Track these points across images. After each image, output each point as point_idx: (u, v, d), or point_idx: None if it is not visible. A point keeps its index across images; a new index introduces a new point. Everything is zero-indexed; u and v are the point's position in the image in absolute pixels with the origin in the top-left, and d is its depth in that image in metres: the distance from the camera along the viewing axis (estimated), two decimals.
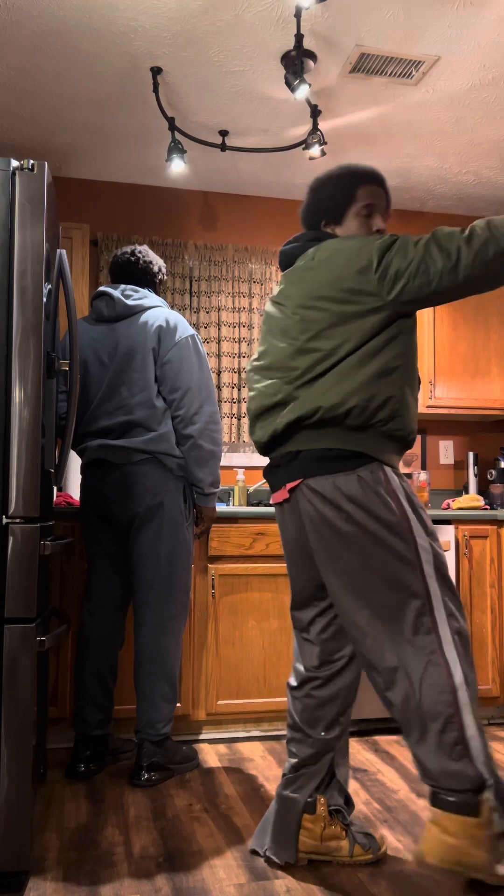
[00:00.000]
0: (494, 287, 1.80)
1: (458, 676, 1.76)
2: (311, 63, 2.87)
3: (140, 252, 2.79)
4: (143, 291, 2.73)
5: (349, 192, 1.99)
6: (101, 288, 2.74)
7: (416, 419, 1.90)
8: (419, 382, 1.94)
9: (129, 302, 2.68)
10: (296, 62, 2.74)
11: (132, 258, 2.78)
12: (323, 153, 3.18)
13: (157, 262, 2.84)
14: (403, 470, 4.24)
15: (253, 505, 3.80)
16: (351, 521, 1.81)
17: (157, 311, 2.68)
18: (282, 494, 1.94)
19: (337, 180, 2.02)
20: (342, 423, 1.83)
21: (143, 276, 2.79)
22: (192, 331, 2.68)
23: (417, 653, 1.77)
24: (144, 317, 2.66)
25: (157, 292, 2.85)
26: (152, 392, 2.61)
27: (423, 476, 3.83)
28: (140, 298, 2.70)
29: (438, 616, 1.79)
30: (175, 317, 2.67)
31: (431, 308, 3.89)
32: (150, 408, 2.61)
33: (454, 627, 1.80)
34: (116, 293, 2.69)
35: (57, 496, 3.19)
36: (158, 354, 2.63)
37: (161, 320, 2.64)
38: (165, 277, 2.92)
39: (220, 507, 3.15)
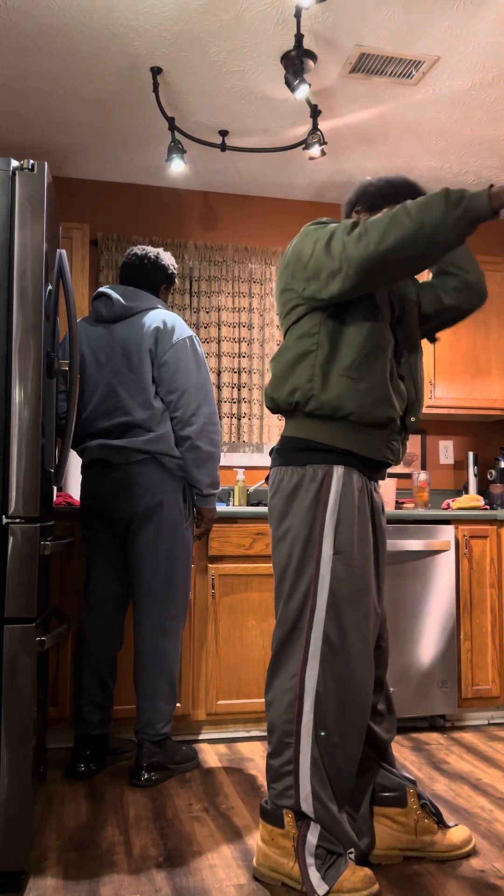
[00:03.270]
0: (416, 268, 1.73)
1: (308, 707, 1.80)
2: (311, 63, 2.87)
3: (149, 256, 2.76)
4: (143, 293, 2.72)
5: (381, 203, 2.00)
6: (101, 289, 2.74)
7: (363, 398, 1.82)
8: (388, 366, 1.87)
9: (127, 303, 2.67)
10: (296, 62, 2.74)
11: (137, 261, 2.77)
12: (323, 153, 3.18)
13: (167, 268, 2.79)
14: (403, 470, 4.24)
15: (253, 505, 3.80)
16: (271, 514, 1.93)
17: (154, 312, 2.67)
18: None
19: (379, 191, 2.01)
20: (284, 411, 1.92)
21: (145, 279, 2.78)
22: (189, 332, 2.67)
23: (289, 666, 1.84)
24: (142, 318, 2.66)
25: (159, 294, 2.83)
26: (150, 393, 2.61)
27: (423, 476, 3.83)
28: (138, 300, 2.69)
29: (311, 650, 1.82)
30: (173, 318, 2.67)
31: None
32: (149, 408, 2.61)
33: (325, 670, 1.80)
34: (115, 294, 2.69)
35: (57, 496, 3.19)
36: (156, 356, 2.62)
37: (158, 322, 2.64)
38: (175, 282, 2.90)
39: (220, 507, 3.15)
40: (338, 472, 1.84)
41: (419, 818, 1.97)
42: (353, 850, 1.82)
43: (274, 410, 1.95)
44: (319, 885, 1.76)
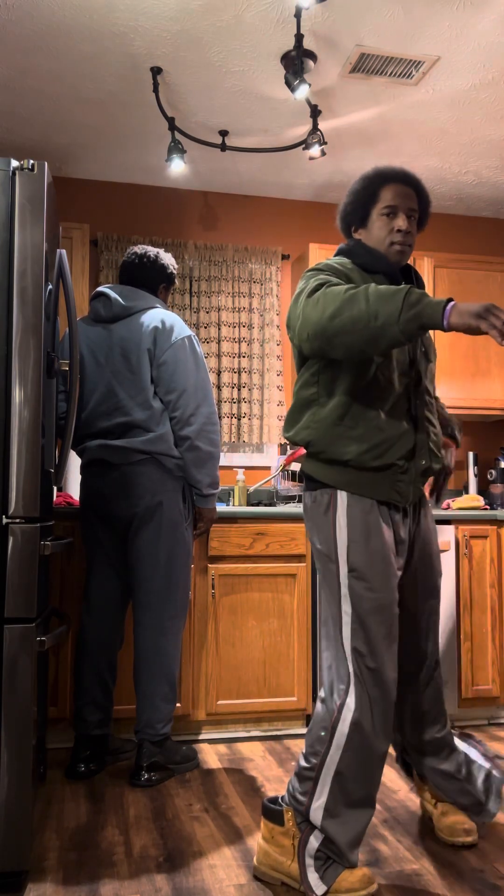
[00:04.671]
0: (357, 352, 1.73)
1: (345, 724, 1.82)
2: (311, 63, 2.87)
3: (148, 255, 2.76)
4: (141, 293, 2.72)
5: (372, 191, 1.96)
6: (99, 288, 2.74)
7: (359, 446, 1.85)
8: (385, 408, 1.89)
9: (126, 303, 2.67)
10: (296, 62, 2.74)
11: (136, 260, 2.77)
12: (323, 153, 3.18)
13: (166, 267, 2.79)
14: None
15: (253, 505, 3.81)
16: (309, 533, 1.99)
17: (153, 312, 2.67)
18: None
19: (362, 181, 1.99)
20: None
21: (144, 278, 2.77)
22: (188, 332, 2.67)
23: (340, 673, 1.87)
24: (141, 318, 2.66)
25: (158, 294, 2.82)
26: (149, 393, 2.61)
27: None
28: (137, 299, 2.69)
29: (344, 664, 1.85)
30: (171, 318, 2.66)
31: None
32: (148, 409, 2.61)
33: (359, 683, 1.83)
34: (113, 294, 2.68)
35: (57, 496, 3.19)
36: (154, 356, 2.62)
37: (157, 321, 2.63)
38: (175, 282, 2.90)
39: (220, 507, 3.15)
40: (341, 495, 1.87)
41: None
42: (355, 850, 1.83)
43: (291, 444, 2.03)
44: (317, 885, 1.76)
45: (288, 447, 4.07)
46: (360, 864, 1.98)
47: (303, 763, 1.87)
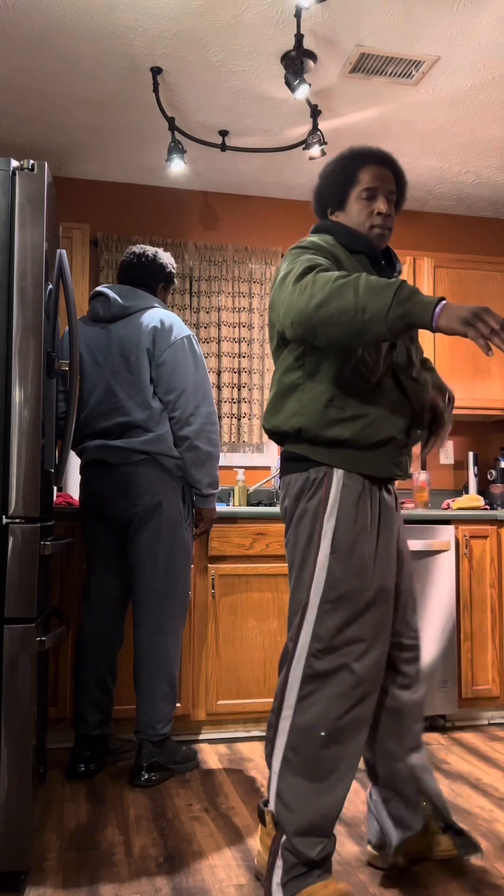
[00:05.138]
0: (341, 342, 1.67)
1: (288, 703, 1.76)
2: (311, 63, 2.87)
3: (147, 254, 2.76)
4: (140, 292, 2.72)
5: (350, 173, 1.89)
6: (98, 288, 2.74)
7: (355, 425, 1.80)
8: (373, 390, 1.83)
9: (125, 302, 2.67)
10: (296, 62, 2.74)
11: (134, 260, 2.77)
12: (323, 153, 3.18)
13: (165, 266, 2.79)
14: None
15: (253, 505, 3.80)
16: (283, 518, 1.92)
17: (152, 311, 2.67)
18: None
19: (338, 162, 1.92)
20: (280, 442, 1.92)
21: (143, 278, 2.77)
22: (187, 331, 2.66)
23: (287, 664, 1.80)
24: (140, 317, 2.65)
25: (157, 294, 2.82)
26: (148, 393, 2.61)
27: (423, 476, 3.83)
28: (136, 299, 2.69)
29: (299, 651, 1.77)
30: (170, 317, 2.66)
31: None
32: (148, 409, 2.60)
33: (308, 668, 1.75)
34: (112, 293, 2.68)
35: (57, 496, 3.19)
36: (153, 356, 2.61)
37: (156, 321, 2.63)
38: (175, 281, 2.89)
39: (220, 507, 3.15)
40: (337, 473, 1.81)
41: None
42: (326, 858, 1.71)
43: (272, 437, 1.92)
44: (275, 891, 1.68)
45: None
46: (360, 863, 1.98)
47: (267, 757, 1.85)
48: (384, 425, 1.81)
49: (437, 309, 1.56)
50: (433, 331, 1.57)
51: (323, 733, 1.73)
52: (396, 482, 3.36)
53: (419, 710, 1.93)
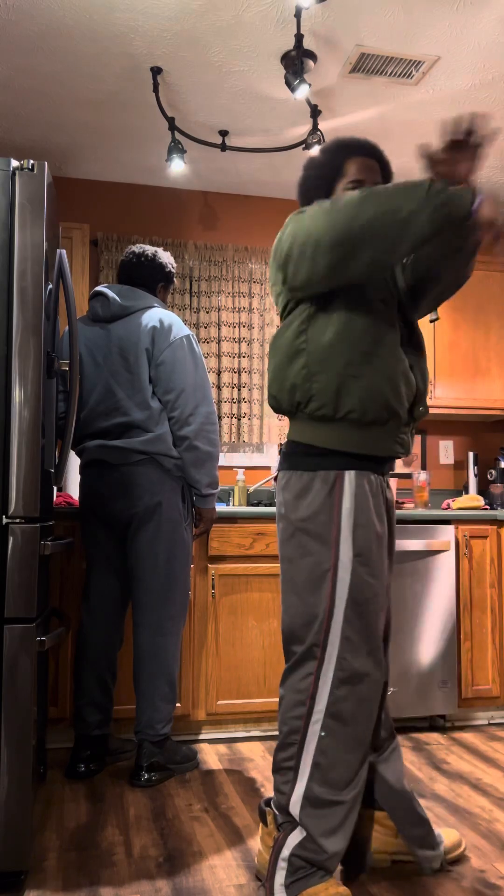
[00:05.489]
0: (387, 255, 1.63)
1: (319, 707, 1.75)
2: (311, 63, 2.87)
3: (146, 254, 2.76)
4: (139, 292, 2.71)
5: (337, 165, 1.87)
6: (97, 288, 2.73)
7: (364, 395, 1.74)
8: (389, 360, 1.78)
9: (124, 302, 2.66)
10: (296, 62, 2.74)
11: (134, 259, 2.77)
12: None
13: (164, 266, 2.78)
14: (403, 469, 4.24)
15: (253, 505, 3.80)
16: (278, 512, 1.88)
17: (151, 311, 2.66)
18: None
19: (325, 154, 1.90)
20: (287, 412, 1.85)
21: (142, 277, 2.77)
22: (186, 331, 2.66)
23: (306, 665, 1.78)
24: (139, 317, 2.65)
25: (156, 293, 2.82)
26: (147, 393, 2.61)
27: (423, 476, 3.83)
28: (135, 299, 2.68)
29: (328, 656, 1.76)
30: (170, 317, 2.66)
31: None
32: (147, 409, 2.60)
33: (341, 671, 1.74)
34: (111, 293, 2.68)
35: (57, 496, 3.19)
36: (152, 355, 2.61)
37: (155, 321, 2.63)
38: (174, 281, 2.89)
39: (220, 507, 3.15)
40: (349, 476, 1.77)
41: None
42: (332, 861, 1.72)
43: (276, 410, 1.87)
44: (278, 892, 1.68)
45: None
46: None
47: (279, 755, 1.80)
48: (392, 399, 1.76)
49: (478, 198, 1.55)
50: (471, 218, 1.57)
51: (353, 736, 1.75)
52: (398, 482, 3.35)
53: (385, 700, 1.96)
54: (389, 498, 1.90)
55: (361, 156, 1.87)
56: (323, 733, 1.74)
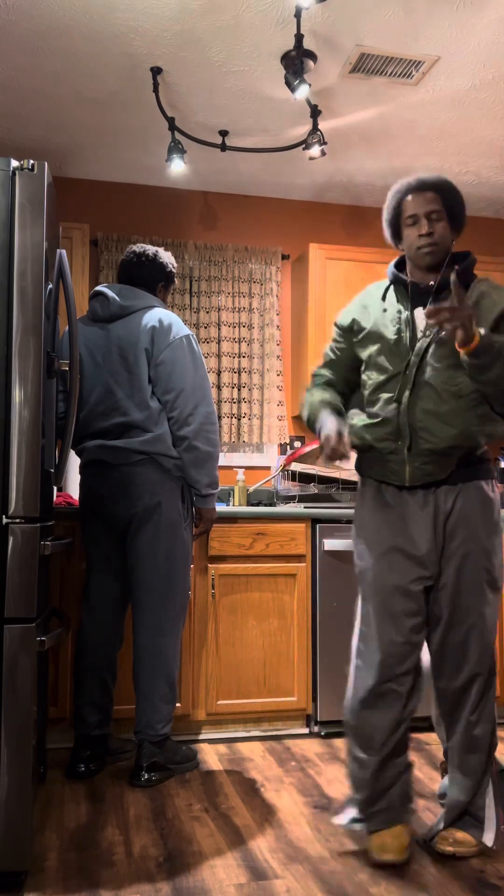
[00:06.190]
0: None
1: (351, 667, 2.13)
2: (311, 63, 2.87)
3: (147, 253, 2.75)
4: (139, 292, 2.71)
5: (396, 206, 2.09)
6: (97, 287, 2.73)
7: (366, 432, 2.11)
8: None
9: (124, 302, 2.66)
10: (296, 62, 2.74)
11: (134, 259, 2.76)
12: (323, 153, 3.18)
13: (165, 266, 2.78)
14: None
15: (253, 505, 3.80)
16: None
17: (151, 311, 2.66)
18: None
19: (389, 199, 2.12)
20: None
21: (142, 277, 2.77)
22: (186, 331, 2.65)
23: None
24: (138, 317, 2.65)
25: (156, 293, 2.82)
26: (147, 393, 2.60)
27: None
28: (135, 298, 2.68)
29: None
30: (169, 317, 2.66)
31: None
32: (146, 409, 2.60)
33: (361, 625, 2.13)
34: (111, 293, 2.68)
35: (57, 496, 3.19)
36: (152, 355, 2.61)
37: (154, 321, 2.62)
38: (175, 281, 2.89)
39: (220, 507, 3.15)
40: (368, 481, 2.17)
41: None
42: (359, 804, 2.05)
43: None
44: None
45: (288, 447, 4.07)
46: (360, 863, 1.99)
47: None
48: (376, 431, 2.07)
49: None
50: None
51: None
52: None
53: None
54: (410, 501, 2.14)
55: (414, 192, 2.05)
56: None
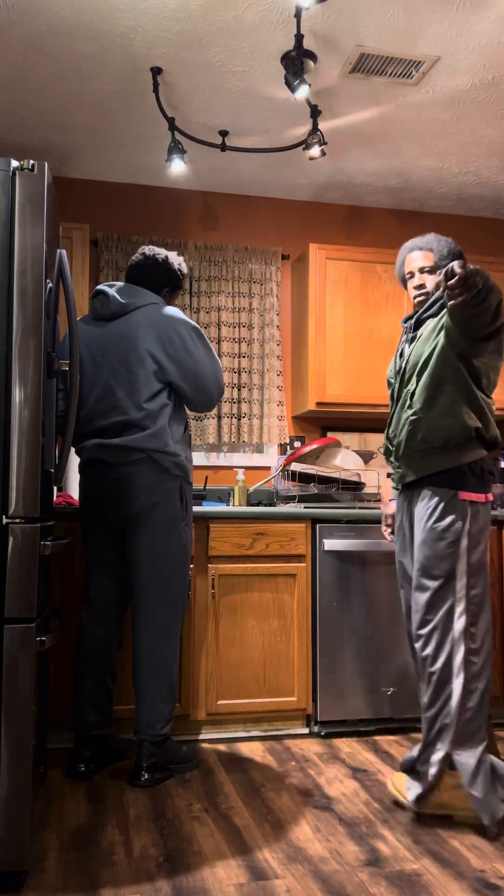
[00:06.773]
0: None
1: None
2: (311, 63, 2.86)
3: (154, 257, 2.74)
4: (140, 290, 2.70)
5: (400, 267, 2.56)
6: (98, 286, 2.73)
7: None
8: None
9: (124, 300, 2.66)
10: (296, 62, 2.74)
11: (141, 260, 2.75)
12: (323, 153, 3.18)
13: (171, 270, 2.77)
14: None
15: (253, 505, 3.80)
16: None
17: (152, 308, 2.66)
18: None
19: (396, 265, 2.61)
20: None
21: (145, 278, 2.76)
22: (190, 323, 2.65)
23: None
24: (138, 315, 2.65)
25: (160, 293, 2.80)
26: (145, 392, 2.60)
27: None
28: (135, 297, 2.68)
29: None
30: (171, 310, 2.66)
31: None
32: (146, 408, 2.60)
33: None
34: (111, 292, 2.68)
35: (57, 496, 3.19)
36: (160, 350, 2.61)
37: (156, 316, 2.63)
38: (182, 286, 2.88)
39: (220, 507, 3.15)
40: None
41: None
42: None
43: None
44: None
45: (288, 447, 4.07)
46: (360, 863, 1.99)
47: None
48: (388, 446, 2.54)
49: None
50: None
51: None
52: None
53: None
54: (413, 510, 2.47)
55: (406, 254, 2.50)
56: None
